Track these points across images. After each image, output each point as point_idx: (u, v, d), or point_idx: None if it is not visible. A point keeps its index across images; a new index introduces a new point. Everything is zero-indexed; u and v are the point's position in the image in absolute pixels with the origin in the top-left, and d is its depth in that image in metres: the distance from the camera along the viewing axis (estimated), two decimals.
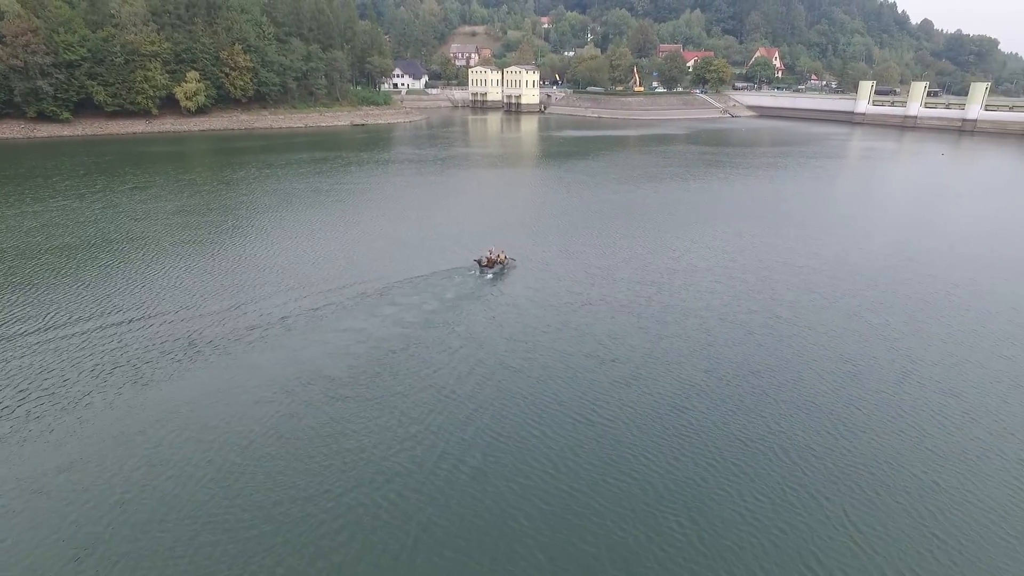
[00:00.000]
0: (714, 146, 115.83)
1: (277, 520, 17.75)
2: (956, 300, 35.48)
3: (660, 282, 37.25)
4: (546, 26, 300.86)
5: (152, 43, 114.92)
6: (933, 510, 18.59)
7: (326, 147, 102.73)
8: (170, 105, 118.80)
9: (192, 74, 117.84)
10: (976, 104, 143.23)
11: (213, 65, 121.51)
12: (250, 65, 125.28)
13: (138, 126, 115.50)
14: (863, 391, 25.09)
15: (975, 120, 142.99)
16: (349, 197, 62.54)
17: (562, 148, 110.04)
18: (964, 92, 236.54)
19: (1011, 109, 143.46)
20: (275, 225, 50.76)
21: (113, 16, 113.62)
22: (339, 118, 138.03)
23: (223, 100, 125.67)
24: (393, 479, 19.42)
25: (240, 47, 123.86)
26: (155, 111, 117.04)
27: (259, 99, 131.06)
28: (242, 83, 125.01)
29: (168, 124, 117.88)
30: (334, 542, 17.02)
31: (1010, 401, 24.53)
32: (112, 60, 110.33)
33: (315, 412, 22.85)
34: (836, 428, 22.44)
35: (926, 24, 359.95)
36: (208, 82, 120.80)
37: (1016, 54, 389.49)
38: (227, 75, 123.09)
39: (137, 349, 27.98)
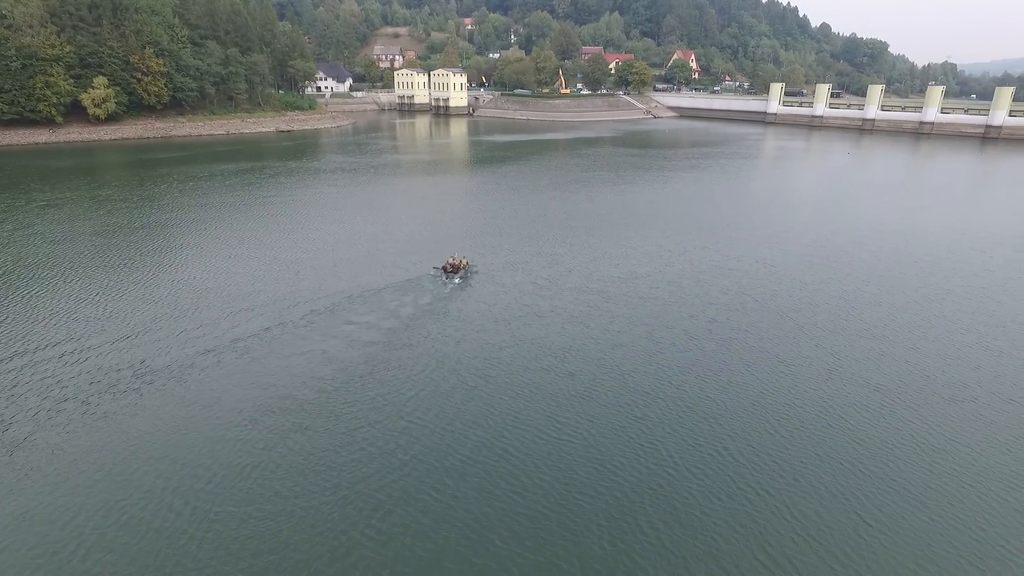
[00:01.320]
0: (640, 148, 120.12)
1: (253, 559, 17.77)
2: (869, 296, 38.89)
3: (604, 291, 38.84)
4: (469, 27, 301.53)
5: (52, 46, 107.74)
6: (860, 495, 20.64)
7: (251, 156, 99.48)
8: (77, 113, 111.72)
9: (100, 79, 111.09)
10: (874, 105, 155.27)
11: (123, 70, 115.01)
12: (164, 70, 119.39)
13: (40, 135, 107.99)
14: (796, 389, 27.34)
15: (873, 120, 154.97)
16: (283, 211, 61.10)
17: (495, 153, 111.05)
18: (861, 92, 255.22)
19: (903, 109, 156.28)
20: (208, 243, 49.13)
21: (4, 17, 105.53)
22: (263, 124, 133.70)
23: (136, 107, 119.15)
24: (367, 508, 19.72)
25: (152, 51, 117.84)
26: (59, 119, 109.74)
27: (175, 105, 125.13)
28: (156, 89, 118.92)
29: (75, 133, 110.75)
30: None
31: (924, 392, 27.38)
32: (7, 64, 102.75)
33: (284, 442, 22.73)
34: (775, 426, 24.44)
35: (824, 27, 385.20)
36: (118, 88, 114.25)
37: (903, 55, 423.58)
38: (139, 80, 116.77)
39: (80, 383, 26.80)
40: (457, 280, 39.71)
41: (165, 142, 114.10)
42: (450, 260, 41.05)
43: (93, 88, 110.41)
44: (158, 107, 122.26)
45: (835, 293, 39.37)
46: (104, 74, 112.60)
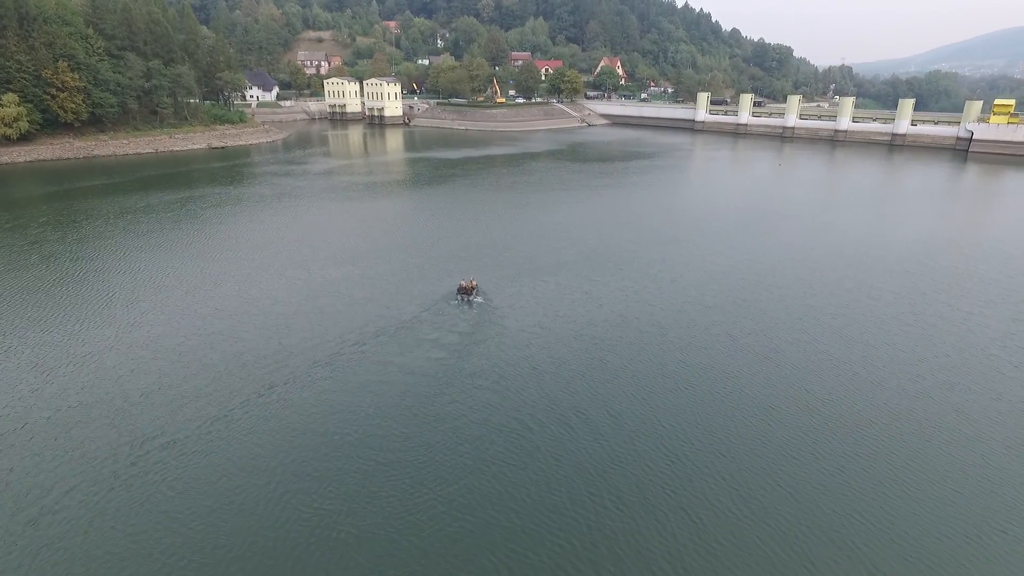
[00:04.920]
0: (580, 162, 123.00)
1: None
2: (834, 332, 42.04)
3: (597, 337, 40.09)
4: (395, 32, 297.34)
5: None
6: (851, 530, 23.00)
7: (186, 181, 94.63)
8: None
9: (9, 96, 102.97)
10: (793, 114, 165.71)
11: (34, 86, 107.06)
12: (80, 84, 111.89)
13: None
14: (789, 438, 29.46)
15: (793, 128, 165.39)
16: (240, 251, 58.52)
17: (442, 171, 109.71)
18: (772, 95, 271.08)
19: (820, 118, 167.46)
20: (171, 293, 46.86)
21: None
22: (192, 140, 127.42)
23: (51, 124, 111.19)
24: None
25: (66, 64, 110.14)
26: None
27: (95, 122, 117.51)
28: (72, 105, 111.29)
29: None
30: None
31: (902, 432, 30.21)
32: None
33: (339, 533, 22.63)
34: (775, 476, 26.49)
35: (735, 32, 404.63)
36: (31, 105, 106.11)
37: (806, 59, 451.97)
38: (53, 96, 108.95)
39: (107, 451, 26.64)
40: (476, 300, 44.73)
41: (87, 163, 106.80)
42: (463, 283, 46.07)
43: (3, 106, 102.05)
44: (76, 124, 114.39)
45: (805, 330, 42.18)
46: (13, 90, 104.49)
